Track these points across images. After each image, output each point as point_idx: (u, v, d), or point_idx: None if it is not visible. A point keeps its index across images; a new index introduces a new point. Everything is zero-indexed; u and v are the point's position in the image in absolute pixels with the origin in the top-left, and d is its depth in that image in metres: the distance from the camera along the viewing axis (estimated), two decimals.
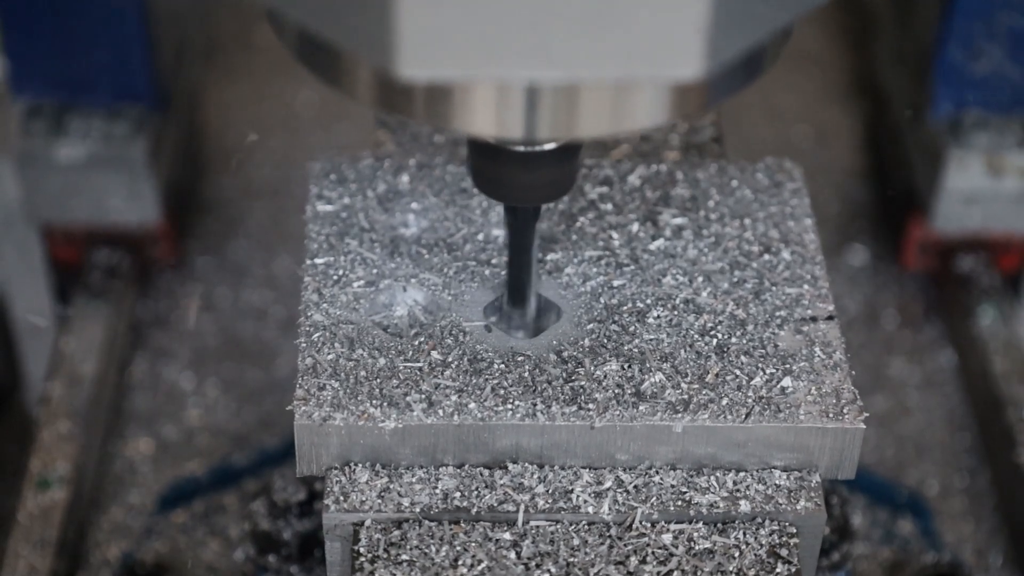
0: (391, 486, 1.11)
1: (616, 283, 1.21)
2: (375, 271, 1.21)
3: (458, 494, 1.11)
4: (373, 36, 0.90)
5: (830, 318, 1.18)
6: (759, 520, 1.11)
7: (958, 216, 1.84)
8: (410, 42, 0.89)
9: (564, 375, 1.13)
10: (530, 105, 0.95)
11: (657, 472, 1.13)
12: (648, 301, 1.19)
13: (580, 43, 0.90)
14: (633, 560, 1.09)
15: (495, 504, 1.10)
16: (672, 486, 1.12)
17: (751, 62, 0.99)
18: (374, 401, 1.11)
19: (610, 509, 1.11)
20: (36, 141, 1.80)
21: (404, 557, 1.08)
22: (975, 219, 1.85)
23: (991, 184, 1.82)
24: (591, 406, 1.11)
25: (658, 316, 1.18)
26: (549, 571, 1.08)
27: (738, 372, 1.14)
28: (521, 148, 1.07)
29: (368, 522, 1.10)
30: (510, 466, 1.12)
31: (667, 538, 1.10)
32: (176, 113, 1.91)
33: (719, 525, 1.11)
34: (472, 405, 1.11)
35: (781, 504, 1.11)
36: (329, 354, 1.14)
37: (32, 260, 1.85)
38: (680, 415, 1.11)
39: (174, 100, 1.91)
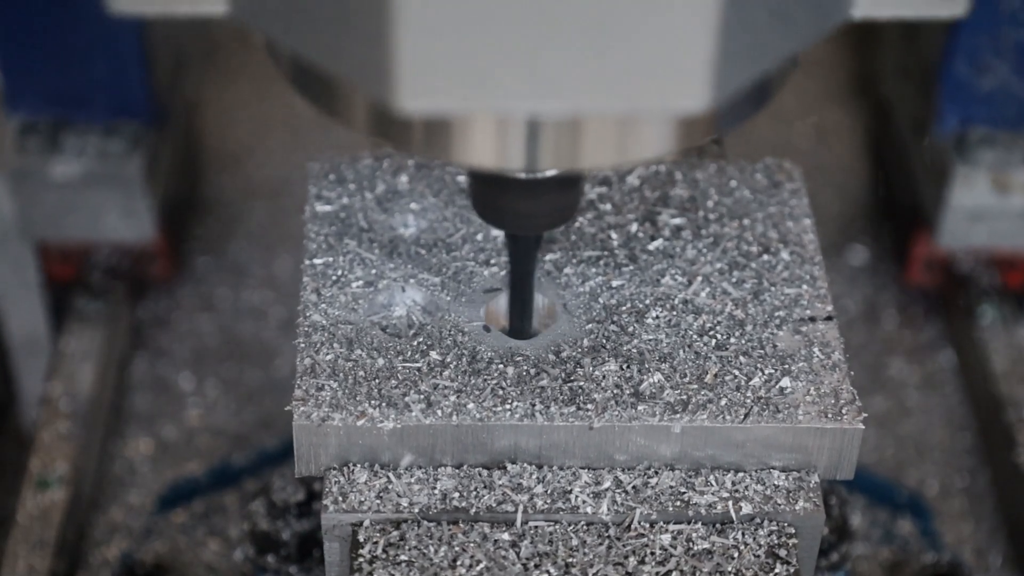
0: (390, 486, 1.11)
1: (615, 283, 1.21)
2: (374, 271, 1.21)
3: (457, 494, 1.11)
4: (371, 68, 0.89)
5: (829, 318, 1.18)
6: (758, 520, 1.11)
7: (964, 233, 1.83)
8: (408, 74, 0.87)
9: (563, 375, 1.13)
10: (531, 137, 0.93)
11: (656, 472, 1.13)
12: (647, 301, 1.19)
13: (583, 76, 0.88)
14: (632, 560, 1.09)
15: (494, 504, 1.10)
16: (671, 486, 1.12)
17: (758, 92, 0.98)
18: (372, 401, 1.11)
19: (609, 509, 1.11)
20: (31, 158, 1.78)
21: (403, 557, 1.08)
22: (981, 236, 1.83)
23: (997, 201, 1.81)
24: (590, 406, 1.11)
25: (657, 316, 1.18)
26: (548, 571, 1.08)
27: (737, 372, 1.14)
28: (523, 177, 1.06)
29: (367, 522, 1.10)
30: (508, 466, 1.12)
31: (666, 538, 1.10)
32: (173, 129, 1.91)
33: (718, 525, 1.11)
34: (471, 405, 1.11)
35: (780, 504, 1.11)
36: (328, 354, 1.14)
37: (27, 277, 1.83)
38: (679, 415, 1.11)
39: (171, 116, 1.90)
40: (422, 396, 1.12)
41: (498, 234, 1.24)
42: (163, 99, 1.86)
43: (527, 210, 1.09)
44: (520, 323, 1.18)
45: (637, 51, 0.87)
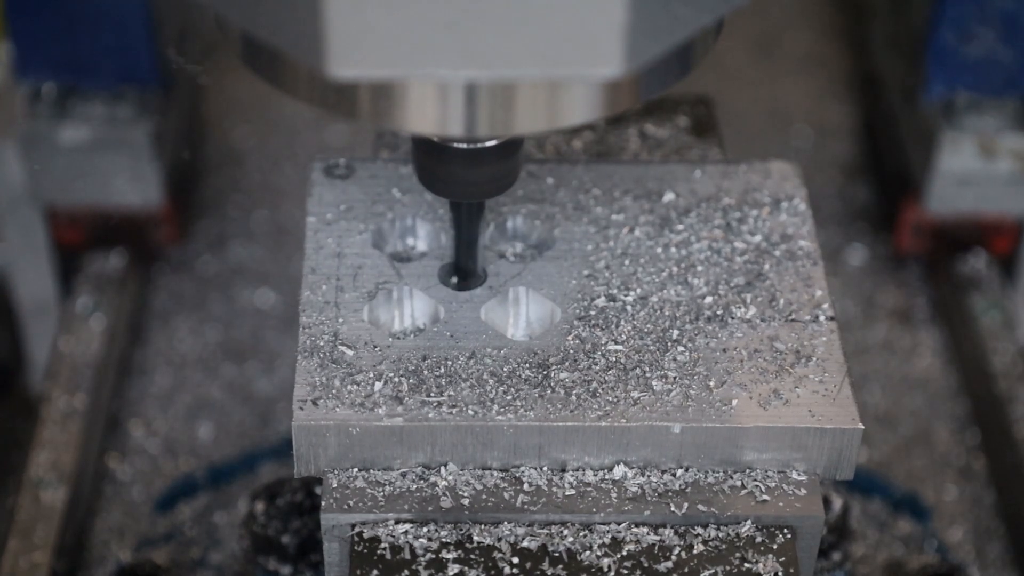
0: (389, 487, 1.11)
1: (615, 284, 1.21)
2: (375, 272, 1.21)
3: (457, 495, 1.11)
4: (305, 38, 0.93)
5: (829, 318, 1.18)
6: (758, 520, 1.11)
7: (951, 198, 1.87)
8: (339, 43, 0.92)
9: (564, 376, 1.13)
10: (468, 103, 0.98)
11: (656, 472, 1.13)
12: (646, 302, 1.19)
13: (505, 43, 0.92)
14: (633, 561, 1.09)
15: (494, 505, 1.10)
16: (671, 487, 1.12)
17: (679, 58, 1.02)
18: (373, 402, 1.11)
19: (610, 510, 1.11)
20: (40, 123, 1.81)
21: (403, 557, 1.08)
22: (968, 201, 1.87)
23: (984, 166, 1.84)
24: (591, 407, 1.11)
25: (657, 317, 1.18)
26: (549, 572, 1.08)
27: (737, 372, 1.14)
28: (463, 146, 1.10)
29: (366, 523, 1.10)
30: (509, 467, 1.12)
31: (666, 538, 1.10)
32: (179, 95, 1.92)
33: (718, 525, 1.11)
34: (471, 406, 1.11)
35: (780, 504, 1.11)
36: (328, 355, 1.14)
37: (36, 242, 1.87)
38: (679, 416, 1.11)
39: (177, 82, 1.91)
40: (423, 397, 1.12)
41: None
42: (169, 66, 1.88)
43: (468, 178, 1.12)
44: (465, 285, 1.20)
45: (555, 20, 0.92)
